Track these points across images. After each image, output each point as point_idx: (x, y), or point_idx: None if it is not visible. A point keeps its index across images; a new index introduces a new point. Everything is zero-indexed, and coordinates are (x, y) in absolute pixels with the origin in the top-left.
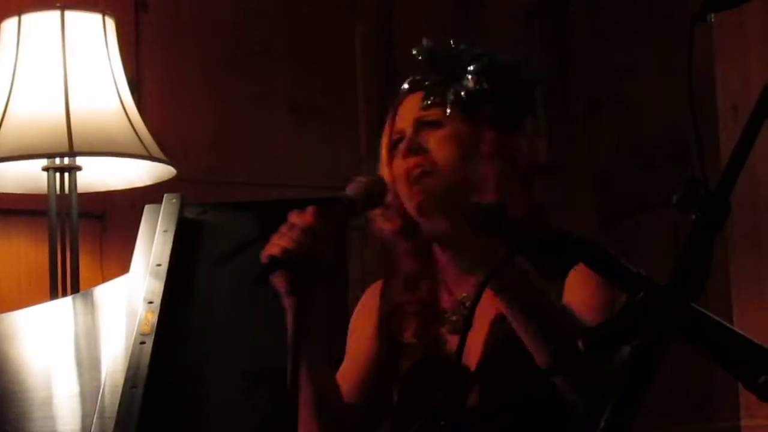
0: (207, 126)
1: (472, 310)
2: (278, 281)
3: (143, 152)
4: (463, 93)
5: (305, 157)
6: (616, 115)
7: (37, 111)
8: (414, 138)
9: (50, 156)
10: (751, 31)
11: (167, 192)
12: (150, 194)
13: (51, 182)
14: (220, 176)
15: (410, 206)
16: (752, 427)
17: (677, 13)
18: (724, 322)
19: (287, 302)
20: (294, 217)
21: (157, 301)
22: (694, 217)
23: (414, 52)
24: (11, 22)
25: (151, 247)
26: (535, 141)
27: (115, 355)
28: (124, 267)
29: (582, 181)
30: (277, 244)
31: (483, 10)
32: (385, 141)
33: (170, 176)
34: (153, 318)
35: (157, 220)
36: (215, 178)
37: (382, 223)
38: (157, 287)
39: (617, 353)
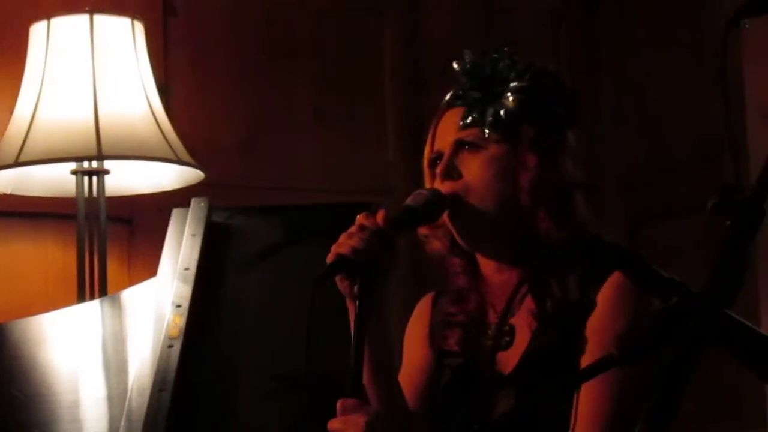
0: (234, 130)
1: (507, 307)
2: (342, 283)
3: (171, 156)
4: (502, 114)
5: (331, 162)
6: (642, 121)
7: (65, 115)
8: (450, 162)
9: (79, 159)
10: None
11: (195, 196)
12: (177, 198)
13: (79, 186)
14: (246, 180)
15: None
16: None
17: (704, 16)
18: (758, 329)
19: (351, 306)
20: (364, 219)
21: (185, 304)
22: (728, 223)
23: (454, 65)
24: (40, 26)
25: (179, 251)
26: (576, 155)
27: (142, 359)
28: (151, 271)
29: (608, 188)
30: (347, 244)
31: (510, 14)
32: (426, 156)
33: (198, 180)
34: (181, 322)
35: (185, 224)
36: (242, 182)
37: (433, 241)
38: (185, 291)
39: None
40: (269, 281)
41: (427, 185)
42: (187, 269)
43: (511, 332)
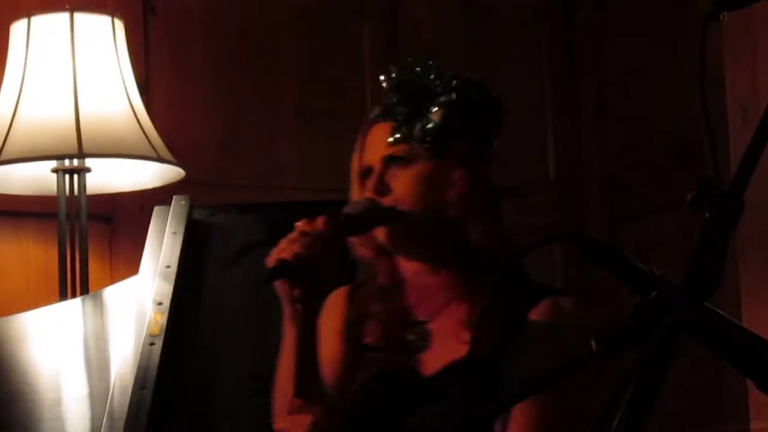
0: (215, 128)
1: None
2: (282, 287)
3: (152, 154)
4: (429, 129)
5: (312, 160)
6: (624, 117)
7: (46, 113)
8: (382, 177)
9: (59, 158)
10: (760, 33)
11: (176, 194)
12: (159, 196)
13: (60, 184)
14: (227, 178)
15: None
16: (762, 429)
17: (685, 13)
18: (738, 322)
19: (289, 309)
20: (305, 225)
21: (167, 302)
22: (707, 215)
23: (381, 79)
24: (20, 25)
25: (161, 249)
26: (496, 163)
27: (124, 357)
28: (133, 269)
29: (590, 184)
30: (289, 249)
31: (491, 11)
32: (355, 169)
33: (179, 178)
34: (162, 319)
35: (167, 222)
36: (223, 180)
37: (360, 248)
38: (167, 289)
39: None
40: (250, 278)
41: (355, 196)
42: (168, 267)
43: (427, 337)
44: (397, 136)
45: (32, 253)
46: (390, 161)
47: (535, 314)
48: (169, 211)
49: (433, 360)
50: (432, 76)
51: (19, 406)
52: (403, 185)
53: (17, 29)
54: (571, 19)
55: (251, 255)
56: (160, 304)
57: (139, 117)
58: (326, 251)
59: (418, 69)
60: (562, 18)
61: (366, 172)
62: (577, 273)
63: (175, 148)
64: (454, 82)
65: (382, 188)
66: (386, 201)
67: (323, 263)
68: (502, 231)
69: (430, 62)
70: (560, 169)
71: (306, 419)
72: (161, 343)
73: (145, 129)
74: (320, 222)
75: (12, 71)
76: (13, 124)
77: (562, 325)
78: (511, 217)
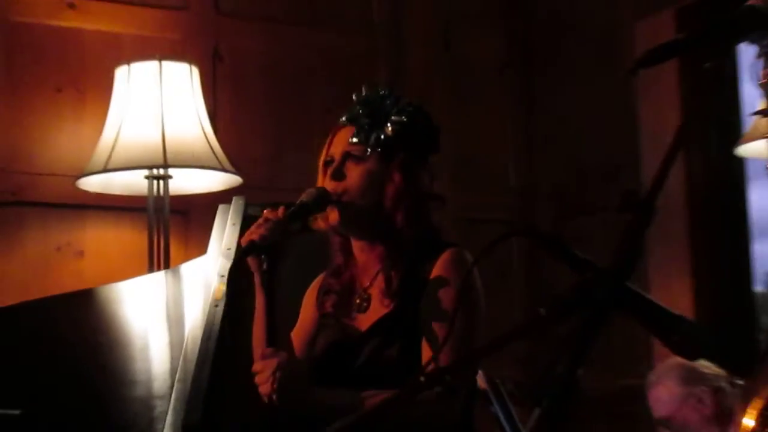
0: (266, 146)
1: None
2: (252, 261)
3: (218, 165)
4: (382, 139)
5: None
6: (565, 144)
7: (140, 135)
8: (340, 167)
9: (149, 167)
10: (665, 80)
11: (235, 195)
12: (223, 197)
13: (150, 187)
14: (275, 184)
15: (330, 217)
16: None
17: (616, 66)
18: (650, 297)
19: (258, 278)
20: (269, 213)
21: (227, 275)
22: (630, 218)
23: (354, 97)
24: (122, 69)
25: (223, 236)
26: (431, 175)
27: (195, 315)
28: (202, 250)
29: (540, 192)
30: (256, 232)
31: (468, 64)
32: (321, 158)
33: (238, 184)
34: (224, 288)
35: (228, 216)
36: (271, 186)
37: (318, 222)
38: (227, 265)
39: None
40: (293, 259)
41: (319, 179)
42: (229, 249)
43: (369, 299)
44: (357, 139)
45: (128, 238)
46: (348, 156)
47: (437, 268)
48: (229, 208)
49: (367, 319)
50: (391, 99)
51: (117, 352)
52: (354, 176)
53: (120, 72)
54: (529, 69)
55: (293, 241)
56: (222, 276)
57: (208, 138)
58: (285, 232)
59: (382, 92)
60: (521, 68)
61: (329, 162)
62: (528, 261)
63: (235, 161)
64: (408, 107)
65: (339, 175)
66: (340, 185)
67: (283, 241)
68: (424, 222)
69: (392, 90)
70: (518, 179)
71: (273, 362)
72: (223, 306)
73: (213, 147)
74: (281, 210)
75: (116, 104)
76: (116, 143)
77: (454, 273)
78: (479, 215)
